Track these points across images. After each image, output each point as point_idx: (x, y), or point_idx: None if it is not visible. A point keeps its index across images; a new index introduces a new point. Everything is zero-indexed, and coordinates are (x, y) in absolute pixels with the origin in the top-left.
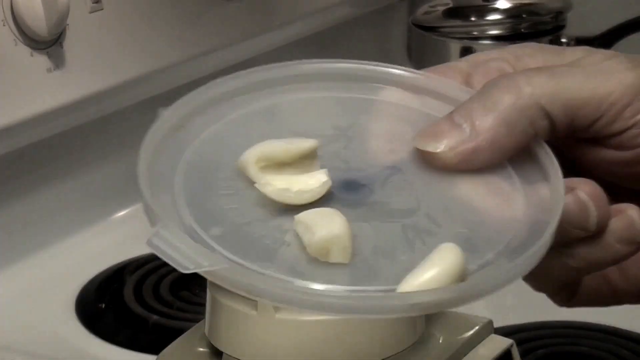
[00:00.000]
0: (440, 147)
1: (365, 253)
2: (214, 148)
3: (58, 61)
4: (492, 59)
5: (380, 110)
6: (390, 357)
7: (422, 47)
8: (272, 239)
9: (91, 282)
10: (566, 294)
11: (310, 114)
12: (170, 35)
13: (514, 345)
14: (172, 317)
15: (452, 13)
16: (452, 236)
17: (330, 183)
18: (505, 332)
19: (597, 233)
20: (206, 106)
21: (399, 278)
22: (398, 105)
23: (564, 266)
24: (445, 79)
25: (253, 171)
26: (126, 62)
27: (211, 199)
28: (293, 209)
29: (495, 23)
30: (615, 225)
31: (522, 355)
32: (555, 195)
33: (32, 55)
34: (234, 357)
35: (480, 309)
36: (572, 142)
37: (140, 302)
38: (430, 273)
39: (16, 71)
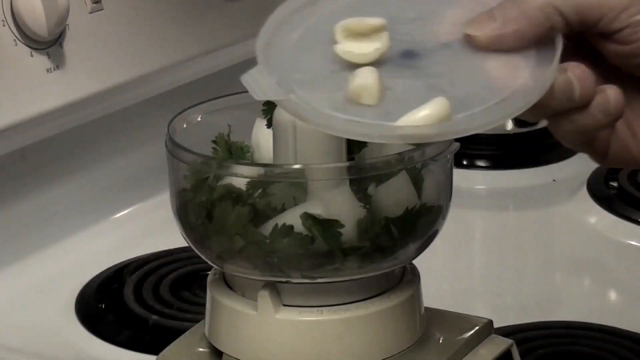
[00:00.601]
0: (477, 32)
1: (389, 100)
2: (324, 21)
3: (58, 61)
4: None
5: (461, 4)
6: (390, 357)
7: None
8: (334, 84)
9: (91, 282)
10: (599, 154)
11: (403, 3)
12: (171, 35)
13: (514, 345)
14: (172, 317)
15: None
16: (455, 94)
17: (381, 50)
18: (505, 332)
19: (584, 105)
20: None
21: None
22: (477, 1)
23: (569, 128)
24: None
25: (338, 37)
26: (126, 62)
27: (307, 56)
28: (357, 66)
29: None
30: (597, 100)
31: (522, 355)
32: (548, 73)
33: (32, 55)
34: (234, 357)
35: (480, 309)
36: (591, 35)
37: (140, 302)
38: (420, 114)
39: (16, 71)
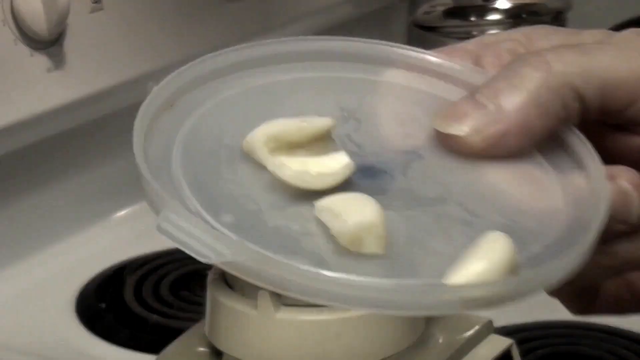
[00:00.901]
0: (464, 129)
1: (399, 243)
2: (210, 129)
3: (58, 61)
4: (503, 40)
5: (387, 92)
6: (390, 357)
7: (422, 47)
8: (292, 229)
9: (91, 282)
10: (584, 301)
11: (311, 94)
12: (170, 35)
13: (514, 345)
14: (172, 317)
15: (452, 13)
16: (492, 226)
17: (353, 165)
18: (505, 332)
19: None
20: (198, 83)
21: (441, 271)
22: (405, 87)
23: (595, 265)
24: (453, 59)
25: (262, 153)
26: (126, 62)
27: (216, 184)
28: (309, 195)
29: (495, 23)
30: None
31: (522, 355)
32: (597, 185)
33: (32, 55)
34: (234, 357)
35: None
36: (600, 127)
37: (140, 302)
38: (481, 265)
39: (16, 71)
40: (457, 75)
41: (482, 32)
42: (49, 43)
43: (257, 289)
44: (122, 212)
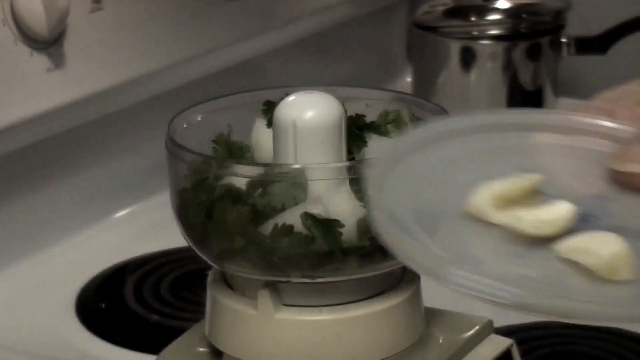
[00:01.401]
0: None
1: None
2: (424, 193)
3: (58, 61)
4: (629, 93)
5: (555, 152)
6: (390, 357)
7: (422, 47)
8: (548, 271)
9: (91, 282)
10: None
11: (490, 161)
12: (170, 35)
13: (514, 345)
14: (172, 317)
15: (452, 13)
16: None
17: (575, 209)
18: (505, 332)
19: None
20: (402, 157)
21: None
22: (565, 146)
23: None
24: (592, 116)
25: (491, 212)
26: (126, 62)
27: (457, 240)
28: (539, 242)
29: (495, 23)
30: None
31: (522, 355)
32: None
33: (32, 55)
34: (234, 357)
35: (480, 309)
36: None
37: (140, 302)
38: None
39: (16, 71)
40: (604, 131)
41: (482, 32)
42: (49, 43)
43: (257, 289)
44: (122, 212)
